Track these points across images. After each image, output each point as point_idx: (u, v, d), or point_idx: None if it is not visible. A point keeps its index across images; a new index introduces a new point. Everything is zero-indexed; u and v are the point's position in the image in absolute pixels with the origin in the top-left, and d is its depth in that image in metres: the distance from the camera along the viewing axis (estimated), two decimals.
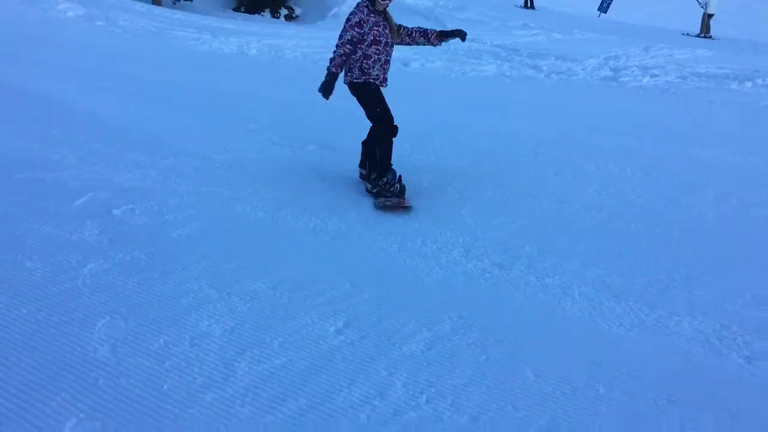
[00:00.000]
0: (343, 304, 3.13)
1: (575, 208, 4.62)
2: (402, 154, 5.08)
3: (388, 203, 4.41)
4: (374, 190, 4.55)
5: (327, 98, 4.41)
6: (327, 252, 3.75)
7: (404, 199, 4.44)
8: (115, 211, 3.94)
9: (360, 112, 4.58)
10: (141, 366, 2.56)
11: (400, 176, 4.56)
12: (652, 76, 10.01)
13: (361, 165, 4.89)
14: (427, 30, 4.66)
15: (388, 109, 4.51)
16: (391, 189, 4.48)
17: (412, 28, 4.66)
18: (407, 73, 9.63)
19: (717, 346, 3.02)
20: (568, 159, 5.74)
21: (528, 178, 5.21)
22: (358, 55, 4.41)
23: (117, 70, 8.21)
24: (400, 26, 4.59)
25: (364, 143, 4.82)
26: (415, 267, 3.63)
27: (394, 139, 4.57)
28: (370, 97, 4.49)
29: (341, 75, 4.51)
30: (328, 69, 4.40)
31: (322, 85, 4.39)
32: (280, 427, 2.30)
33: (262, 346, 2.75)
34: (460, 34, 4.57)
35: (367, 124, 4.63)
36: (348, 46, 4.35)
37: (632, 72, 10.23)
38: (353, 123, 5.12)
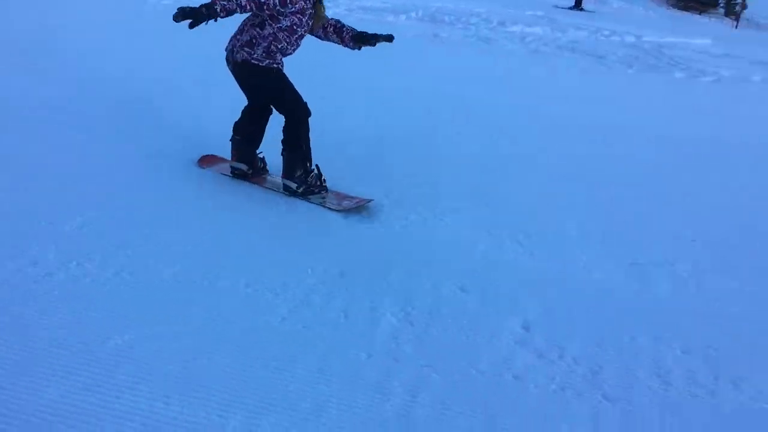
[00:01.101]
0: None
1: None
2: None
3: (346, 203, 3.93)
4: (300, 189, 4.00)
5: (191, 26, 3.35)
6: None
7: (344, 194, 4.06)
8: None
9: None
10: None
11: (317, 165, 4.05)
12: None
13: (240, 159, 4.15)
14: (343, 28, 4.04)
15: (297, 92, 3.96)
16: (318, 183, 4.05)
17: (331, 23, 4.04)
18: None
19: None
20: None
21: None
22: (267, 32, 3.77)
23: None
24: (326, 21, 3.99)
25: (237, 127, 4.16)
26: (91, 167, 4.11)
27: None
28: (277, 83, 3.92)
29: (234, 49, 3.84)
30: (213, 5, 3.38)
31: (187, 12, 3.31)
32: None
33: None
34: (387, 38, 4.02)
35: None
36: (255, 5, 3.55)
37: None
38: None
